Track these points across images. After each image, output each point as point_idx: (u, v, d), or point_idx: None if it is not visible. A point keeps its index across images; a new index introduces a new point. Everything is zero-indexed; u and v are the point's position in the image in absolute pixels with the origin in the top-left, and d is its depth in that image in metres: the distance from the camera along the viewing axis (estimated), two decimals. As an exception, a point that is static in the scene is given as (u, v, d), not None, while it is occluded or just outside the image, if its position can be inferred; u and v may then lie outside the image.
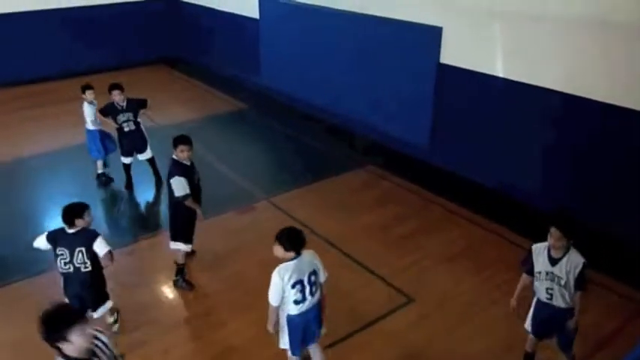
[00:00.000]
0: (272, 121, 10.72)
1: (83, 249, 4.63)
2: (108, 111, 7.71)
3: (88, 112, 7.93)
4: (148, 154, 8.05)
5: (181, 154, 5.51)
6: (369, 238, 6.77)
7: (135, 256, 6.57)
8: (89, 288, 4.79)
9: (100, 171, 8.33)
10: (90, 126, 8.02)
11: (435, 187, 7.86)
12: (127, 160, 8.02)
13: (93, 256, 4.70)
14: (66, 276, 4.73)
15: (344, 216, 7.26)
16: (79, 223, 4.66)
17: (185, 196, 5.43)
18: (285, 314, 4.17)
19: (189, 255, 6.15)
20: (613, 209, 6.29)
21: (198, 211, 5.71)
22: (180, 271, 5.92)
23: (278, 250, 4.09)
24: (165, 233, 7.00)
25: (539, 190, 7.05)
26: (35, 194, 8.06)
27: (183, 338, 5.22)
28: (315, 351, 4.50)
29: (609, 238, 6.17)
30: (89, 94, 7.94)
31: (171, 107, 11.45)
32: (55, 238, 4.69)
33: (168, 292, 5.98)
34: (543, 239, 4.22)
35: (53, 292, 5.82)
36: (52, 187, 8.26)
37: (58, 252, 4.65)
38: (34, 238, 4.81)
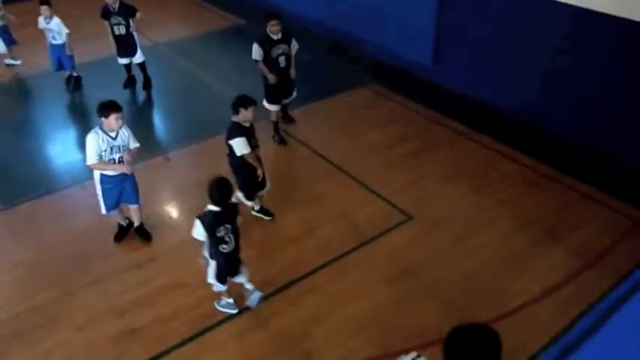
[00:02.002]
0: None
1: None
2: (104, 12, 8.04)
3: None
4: (138, 58, 8.35)
5: (272, 28, 6.60)
6: (371, 158, 6.77)
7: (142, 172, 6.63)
8: None
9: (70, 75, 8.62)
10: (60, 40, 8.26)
11: (439, 107, 7.73)
12: (122, 60, 8.39)
13: None
14: None
15: (346, 135, 7.23)
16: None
17: (257, 61, 6.75)
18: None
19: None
20: (613, 128, 6.23)
21: (269, 76, 6.78)
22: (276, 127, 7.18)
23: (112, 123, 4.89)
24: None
25: (546, 109, 6.93)
26: (39, 113, 8.03)
27: (184, 256, 5.24)
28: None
29: (608, 156, 6.17)
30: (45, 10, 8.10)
31: (168, 24, 11.09)
32: None
33: (169, 211, 6.16)
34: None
35: (60, 211, 5.97)
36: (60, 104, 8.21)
37: None
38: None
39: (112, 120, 4.87)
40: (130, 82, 8.58)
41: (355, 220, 5.71)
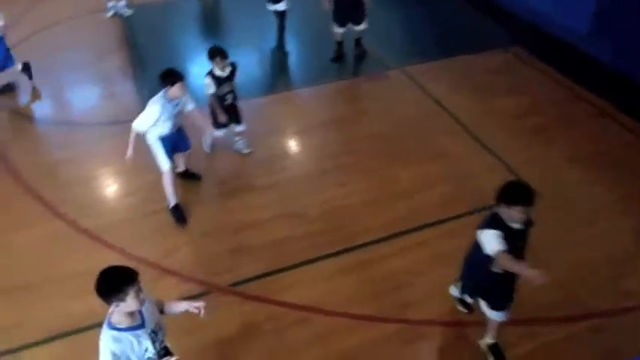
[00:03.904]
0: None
1: None
2: None
3: None
4: (282, 6, 8.06)
5: None
6: (500, 124, 6.52)
7: (270, 107, 6.98)
8: None
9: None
10: None
11: (586, 80, 7.15)
12: (271, 6, 8.04)
13: None
14: None
15: (478, 97, 6.97)
16: None
17: None
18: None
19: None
20: None
21: None
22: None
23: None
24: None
25: None
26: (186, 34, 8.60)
27: (302, 190, 5.60)
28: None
29: None
30: None
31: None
32: None
33: (295, 145, 6.44)
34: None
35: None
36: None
37: None
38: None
39: (176, 88, 4.78)
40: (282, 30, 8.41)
41: (476, 185, 5.58)
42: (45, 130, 6.74)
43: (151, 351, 2.85)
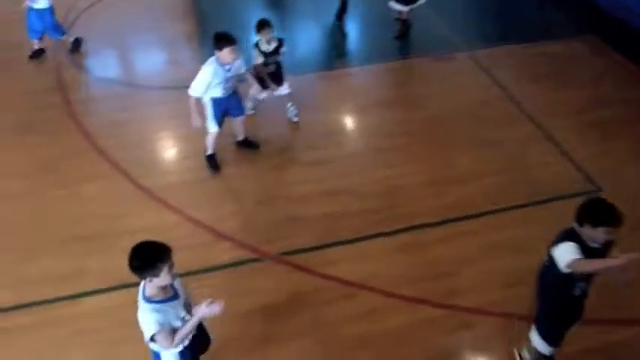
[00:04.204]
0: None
1: None
2: None
3: None
4: None
5: None
6: (566, 116, 6.25)
7: (329, 82, 6.95)
8: None
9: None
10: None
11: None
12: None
13: None
14: None
15: (546, 87, 6.70)
16: None
17: None
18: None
19: None
20: None
21: None
22: None
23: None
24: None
25: None
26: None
27: (357, 167, 5.58)
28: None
29: None
30: None
31: None
32: None
33: (350, 122, 6.42)
34: None
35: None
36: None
37: None
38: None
39: (226, 53, 4.74)
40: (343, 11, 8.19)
41: (534, 176, 5.43)
42: (110, 90, 6.92)
43: (188, 318, 2.94)
